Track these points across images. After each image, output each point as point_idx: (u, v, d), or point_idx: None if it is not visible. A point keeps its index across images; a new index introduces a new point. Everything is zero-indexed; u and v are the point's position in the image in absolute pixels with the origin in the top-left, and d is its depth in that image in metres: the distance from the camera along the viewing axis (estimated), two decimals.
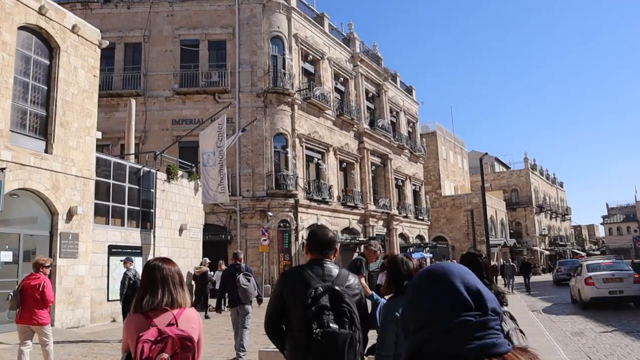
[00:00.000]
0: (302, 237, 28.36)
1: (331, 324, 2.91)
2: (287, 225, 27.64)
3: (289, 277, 3.30)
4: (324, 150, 31.74)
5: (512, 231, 61.77)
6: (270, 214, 26.82)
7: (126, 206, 16.04)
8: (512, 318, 3.79)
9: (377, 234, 35.93)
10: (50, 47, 13.56)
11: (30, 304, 7.32)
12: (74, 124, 13.79)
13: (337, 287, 3.04)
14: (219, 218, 27.15)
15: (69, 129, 13.61)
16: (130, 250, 15.52)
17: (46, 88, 13.35)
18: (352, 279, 3.23)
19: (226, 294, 9.27)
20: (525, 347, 1.25)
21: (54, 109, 13.27)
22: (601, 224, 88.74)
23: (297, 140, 29.15)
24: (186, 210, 18.82)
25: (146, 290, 3.00)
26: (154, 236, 16.91)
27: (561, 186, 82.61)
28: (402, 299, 1.94)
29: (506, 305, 3.95)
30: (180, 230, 18.32)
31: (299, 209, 28.14)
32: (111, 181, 15.55)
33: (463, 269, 1.25)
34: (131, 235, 15.97)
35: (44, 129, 13.15)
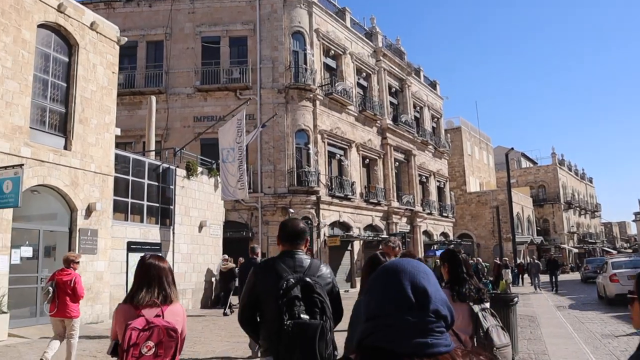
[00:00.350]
0: (324, 235, 28.20)
1: (302, 315, 2.96)
2: (309, 222, 27.45)
3: (261, 270, 3.29)
4: (347, 147, 31.48)
5: (539, 228, 60.69)
6: (291, 210, 26.69)
7: (145, 203, 16.04)
8: (493, 315, 3.86)
9: (400, 231, 35.53)
10: (69, 44, 13.58)
11: (63, 298, 7.68)
12: (92, 120, 13.79)
13: (307, 278, 3.07)
14: (240, 215, 27.11)
15: (88, 126, 13.62)
16: (149, 247, 15.52)
17: (65, 85, 13.38)
18: (324, 269, 3.27)
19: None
20: (479, 350, 1.28)
21: (73, 106, 13.28)
22: (633, 220, 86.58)
23: (319, 137, 28.95)
24: (206, 206, 18.78)
25: (141, 285, 3.23)
26: (173, 233, 16.89)
27: (590, 182, 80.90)
28: None
29: (487, 302, 3.98)
30: (200, 227, 18.28)
31: (321, 206, 27.96)
32: (130, 178, 15.56)
33: (418, 268, 1.27)
34: (150, 232, 15.96)
35: (63, 126, 13.18)
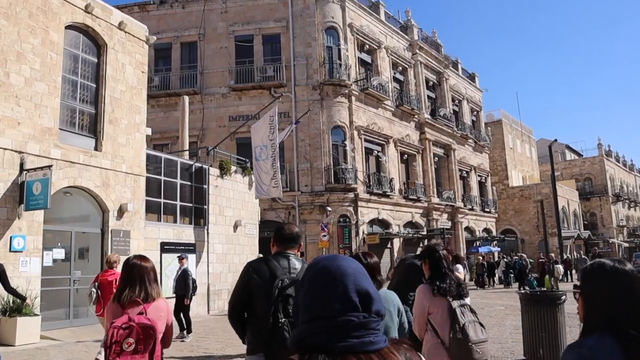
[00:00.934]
0: (363, 232, 27.68)
1: (297, 334, 2.75)
2: (347, 220, 27.00)
3: (255, 268, 3.36)
4: (384, 142, 30.86)
5: (586, 222, 58.58)
6: (329, 208, 26.27)
7: (178, 203, 15.87)
8: (472, 311, 3.91)
9: (440, 227, 34.67)
10: (97, 44, 13.49)
11: (109, 297, 8.15)
12: (122, 120, 13.66)
13: (285, 279, 3.17)
14: (277, 214, 26.84)
15: (118, 126, 13.50)
16: (182, 247, 15.34)
17: (94, 85, 13.28)
18: None
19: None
20: (402, 340, 1.37)
21: (103, 106, 13.17)
22: None
23: (355, 133, 28.43)
24: (240, 206, 18.52)
25: (126, 285, 3.47)
26: (208, 232, 16.67)
27: None
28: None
29: (466, 297, 4.02)
30: (235, 227, 18.03)
31: (359, 203, 27.44)
32: (162, 178, 15.39)
33: (357, 270, 1.34)
34: (184, 232, 15.78)
35: (93, 127, 13.09)
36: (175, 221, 15.75)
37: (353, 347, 1.25)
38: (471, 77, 46.26)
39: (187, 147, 18.33)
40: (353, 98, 28.67)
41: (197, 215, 16.63)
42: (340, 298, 1.28)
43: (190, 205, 16.42)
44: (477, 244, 39.86)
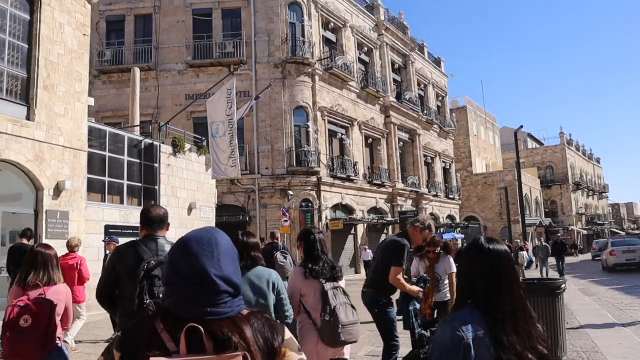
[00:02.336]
0: (326, 218, 26.59)
1: (161, 295, 2.86)
2: (310, 205, 25.86)
3: (122, 252, 3.46)
4: (348, 125, 29.76)
5: (547, 210, 59.07)
6: (291, 193, 25.08)
7: (126, 182, 14.37)
8: (345, 294, 3.98)
9: (406, 210, 33.90)
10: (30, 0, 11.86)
11: (69, 283, 7.48)
12: (60, 88, 12.11)
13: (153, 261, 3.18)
14: (236, 198, 25.50)
15: (55, 94, 11.94)
16: (130, 231, 13.88)
17: (27, 46, 11.68)
18: None
19: None
20: (261, 311, 1.48)
21: (37, 70, 11.60)
22: None
23: (319, 114, 27.23)
24: (196, 187, 17.12)
25: (30, 270, 3.80)
26: None
27: (598, 162, 79.07)
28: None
29: (340, 279, 4.07)
30: (190, 210, 16.63)
31: (322, 188, 26.31)
32: (107, 154, 13.86)
33: (214, 241, 1.42)
34: (132, 215, 14.29)
35: (24, 93, 11.50)
36: (122, 202, 14.26)
37: (191, 313, 1.32)
38: (437, 62, 45.57)
39: (138, 122, 16.77)
40: (317, 78, 27.44)
41: (147, 197, 15.17)
42: (193, 267, 1.35)
43: (140, 185, 14.94)
44: (441, 231, 39.37)
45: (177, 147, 15.85)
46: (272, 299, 3.62)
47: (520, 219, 43.51)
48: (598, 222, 67.90)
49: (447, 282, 6.14)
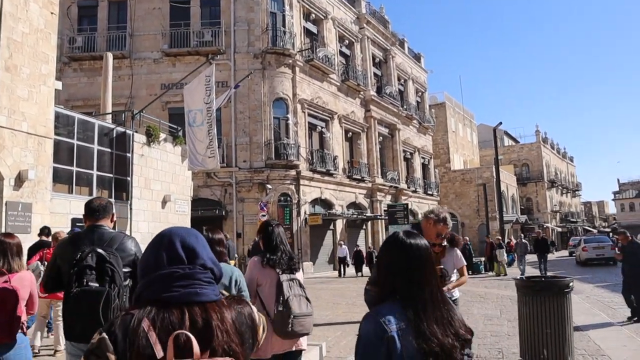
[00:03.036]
0: (305, 213, 25.93)
1: (91, 283, 3.16)
2: (288, 199, 25.17)
3: (61, 244, 3.58)
4: (328, 118, 29.13)
5: (522, 207, 59.34)
6: (269, 186, 24.35)
7: (95, 172, 13.46)
8: (300, 286, 4.03)
9: (384, 210, 33.45)
10: None
11: None
12: (24, 69, 11.20)
13: (99, 249, 3.23)
14: (212, 191, 24.69)
15: (18, 75, 11.03)
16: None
17: None
18: (127, 243, 3.42)
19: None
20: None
21: None
22: (612, 200, 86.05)
23: (298, 106, 26.53)
24: (170, 179, 16.28)
25: None
26: (131, 208, 14.36)
27: (571, 161, 79.86)
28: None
29: (297, 271, 4.10)
30: (164, 203, 15.79)
31: (301, 182, 25.65)
32: (75, 142, 12.94)
33: (187, 231, 1.50)
34: None
35: None
36: (91, 194, 13.34)
37: (177, 297, 1.34)
38: (417, 57, 45.17)
39: (109, 110, 15.85)
40: (297, 69, 26.73)
41: (119, 188, 14.30)
42: (166, 253, 1.41)
43: (111, 175, 14.06)
44: None
45: (151, 137, 14.99)
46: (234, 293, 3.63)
47: (497, 216, 43.43)
48: (571, 220, 68.56)
49: (454, 278, 5.53)
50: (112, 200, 13.95)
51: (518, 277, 18.07)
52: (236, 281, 3.69)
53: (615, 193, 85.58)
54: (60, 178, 12.49)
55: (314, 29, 29.57)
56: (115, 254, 3.25)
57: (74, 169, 12.85)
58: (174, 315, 1.32)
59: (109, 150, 14.02)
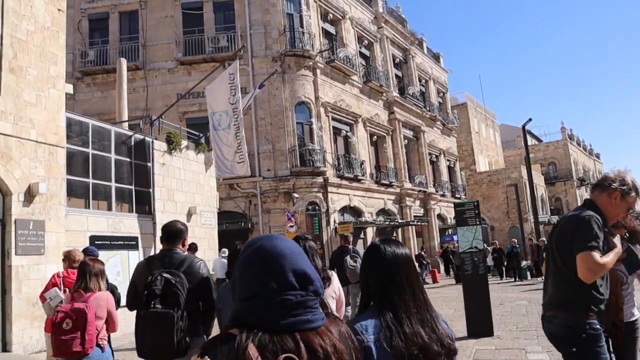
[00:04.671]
0: (334, 222, 24.52)
1: (157, 305, 3.45)
2: (317, 207, 23.78)
3: (138, 266, 3.92)
4: (353, 122, 27.78)
5: (552, 207, 57.32)
6: (296, 195, 23.00)
7: (113, 184, 12.19)
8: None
9: (415, 216, 31.94)
10: None
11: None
12: (31, 71, 10.00)
13: (166, 274, 3.53)
14: (236, 203, 23.39)
15: (24, 78, 9.83)
16: (121, 242, 11.77)
17: None
18: (196, 265, 3.73)
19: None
20: (335, 315, 1.49)
21: (0, 49, 9.49)
22: None
23: (322, 110, 25.22)
24: (195, 189, 14.97)
25: (78, 280, 4.45)
26: (154, 223, 13.05)
27: (598, 158, 77.58)
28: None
29: (329, 285, 3.84)
30: (189, 215, 14.48)
31: (329, 189, 24.25)
32: (90, 151, 11.69)
33: (294, 250, 1.39)
34: (122, 223, 12.13)
35: None
36: (109, 208, 12.08)
37: (291, 324, 1.28)
38: (436, 57, 43.78)
39: (126, 118, 14.63)
40: (318, 71, 25.45)
41: (140, 201, 13.01)
42: (278, 277, 1.31)
43: (131, 187, 12.78)
44: (451, 232, 37.45)
45: (172, 144, 13.71)
46: None
47: (530, 217, 41.56)
48: None
49: (631, 288, 4.05)
50: (133, 214, 12.69)
51: None
52: None
53: None
54: (75, 192, 11.23)
55: (332, 29, 28.34)
56: (182, 277, 3.52)
57: (90, 181, 11.57)
58: (288, 342, 1.26)
59: (127, 159, 12.76)
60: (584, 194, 62.09)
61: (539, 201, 51.68)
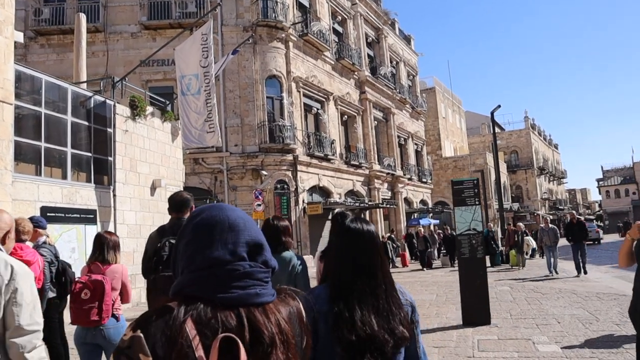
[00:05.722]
0: (304, 202, 23.59)
1: (166, 270, 3.53)
2: (286, 186, 22.77)
3: (150, 236, 4.12)
4: (324, 99, 26.76)
5: (513, 195, 57.88)
6: (264, 173, 21.93)
7: (69, 150, 10.87)
8: None
9: (383, 198, 31.31)
10: None
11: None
12: None
13: (172, 240, 3.59)
14: (201, 179, 22.16)
15: None
16: (77, 215, 10.52)
17: None
18: None
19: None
20: (293, 291, 1.32)
21: None
22: (597, 187, 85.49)
23: (293, 85, 24.10)
24: (160, 161, 13.73)
25: (94, 251, 4.59)
26: (115, 195, 11.80)
27: (556, 148, 78.88)
28: None
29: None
30: (153, 189, 13.25)
31: (299, 167, 23.26)
32: (43, 110, 10.33)
33: (246, 220, 1.27)
34: (79, 193, 10.84)
35: None
36: (64, 177, 10.77)
37: (235, 298, 1.17)
38: (407, 39, 43.05)
39: (84, 78, 13.23)
40: (291, 44, 24.28)
41: (99, 171, 11.72)
42: (226, 247, 1.22)
43: (89, 154, 11.48)
44: (416, 216, 37.10)
45: (136, 109, 12.42)
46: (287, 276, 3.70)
47: (495, 204, 41.59)
48: (559, 207, 67.52)
49: None
50: (91, 184, 11.41)
51: (551, 274, 15.78)
52: (293, 266, 3.72)
53: (599, 180, 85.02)
54: (24, 156, 9.90)
55: (305, 2, 27.13)
56: None
57: (43, 144, 10.22)
58: (231, 319, 1.13)
59: (86, 123, 11.44)
60: (543, 182, 63.00)
61: (502, 188, 52.01)
